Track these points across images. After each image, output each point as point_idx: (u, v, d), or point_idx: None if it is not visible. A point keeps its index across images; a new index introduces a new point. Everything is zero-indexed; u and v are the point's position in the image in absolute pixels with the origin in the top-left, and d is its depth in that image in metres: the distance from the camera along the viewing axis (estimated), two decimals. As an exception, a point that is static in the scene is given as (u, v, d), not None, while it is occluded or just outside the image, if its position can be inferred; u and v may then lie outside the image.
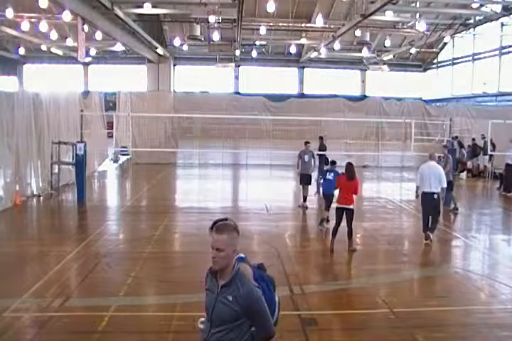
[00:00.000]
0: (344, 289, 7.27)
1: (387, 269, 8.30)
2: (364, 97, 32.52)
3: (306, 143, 14.36)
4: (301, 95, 35.32)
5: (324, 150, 17.66)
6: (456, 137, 19.91)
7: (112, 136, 20.82)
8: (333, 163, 10.93)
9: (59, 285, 6.96)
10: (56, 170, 14.65)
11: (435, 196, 9.62)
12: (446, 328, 5.89)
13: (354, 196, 9.16)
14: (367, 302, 6.64)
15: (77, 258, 8.35)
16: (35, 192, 14.00)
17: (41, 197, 13.95)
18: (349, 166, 9.31)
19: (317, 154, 17.53)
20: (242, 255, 3.26)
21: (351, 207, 9.05)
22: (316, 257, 8.91)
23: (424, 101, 31.80)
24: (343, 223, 9.07)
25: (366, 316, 6.25)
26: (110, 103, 24.05)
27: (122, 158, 23.26)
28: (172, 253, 9.22)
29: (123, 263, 8.40)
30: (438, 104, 32.10)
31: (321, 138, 18.07)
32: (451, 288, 7.36)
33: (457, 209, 12.92)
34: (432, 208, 9.76)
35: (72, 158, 14.32)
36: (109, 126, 20.55)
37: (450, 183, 11.60)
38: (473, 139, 21.13)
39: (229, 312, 2.94)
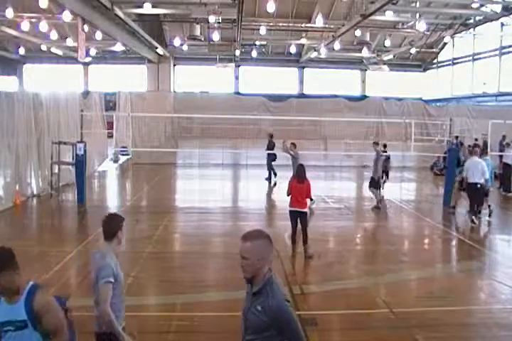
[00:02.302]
0: (344, 289, 7.26)
1: (387, 269, 8.29)
2: (364, 97, 32.50)
3: (291, 144, 14.58)
4: (301, 95, 35.28)
5: (272, 148, 18.07)
6: (457, 137, 19.91)
7: (112, 136, 20.81)
8: (385, 145, 14.02)
9: (59, 285, 6.96)
10: (56, 170, 14.65)
11: (478, 186, 11.51)
12: (446, 328, 5.88)
13: (308, 200, 8.86)
14: (367, 302, 6.64)
15: (77, 258, 8.35)
16: (35, 192, 13.99)
17: (41, 197, 13.95)
18: (299, 168, 8.98)
19: (267, 153, 17.96)
20: (32, 282, 3.12)
21: (305, 210, 8.76)
22: (315, 257, 8.90)
23: (424, 101, 31.78)
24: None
25: (366, 316, 6.25)
26: (110, 103, 24.03)
27: (122, 158, 23.26)
28: (172, 253, 9.22)
29: (123, 263, 8.33)
30: (438, 104, 32.07)
31: (270, 136, 18.46)
32: (451, 288, 7.36)
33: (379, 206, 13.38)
34: (477, 195, 11.70)
35: (72, 158, 14.32)
36: (109, 126, 20.54)
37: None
38: (476, 139, 21.10)
39: (258, 323, 2.88)
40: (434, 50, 33.64)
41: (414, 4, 21.15)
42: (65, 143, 14.71)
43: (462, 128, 22.89)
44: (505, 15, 19.87)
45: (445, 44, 32.45)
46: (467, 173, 11.70)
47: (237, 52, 29.93)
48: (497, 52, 28.33)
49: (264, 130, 23.76)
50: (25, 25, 22.75)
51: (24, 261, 8.69)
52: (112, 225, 3.83)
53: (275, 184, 17.51)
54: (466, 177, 11.76)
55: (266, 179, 18.10)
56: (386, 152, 14.80)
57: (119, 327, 3.75)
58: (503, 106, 26.18)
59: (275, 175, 17.88)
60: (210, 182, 19.29)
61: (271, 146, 18.20)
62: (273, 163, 17.98)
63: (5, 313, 2.98)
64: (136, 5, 19.92)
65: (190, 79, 35.92)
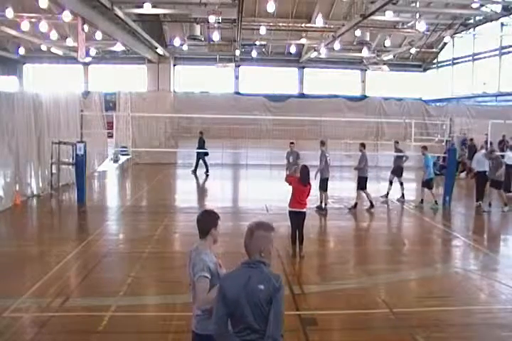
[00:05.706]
0: (344, 289, 7.26)
1: (387, 269, 8.30)
2: (364, 97, 32.50)
3: (290, 143, 14.52)
4: (301, 95, 35.30)
5: (202, 146, 19.03)
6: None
7: (111, 136, 20.80)
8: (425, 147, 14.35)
9: (59, 285, 6.97)
10: (56, 170, 14.64)
11: (487, 173, 13.43)
12: (446, 328, 5.88)
13: (307, 200, 8.77)
14: (367, 302, 6.64)
15: (77, 258, 8.35)
16: (35, 192, 13.98)
17: (41, 197, 13.94)
18: (303, 170, 8.65)
19: (196, 151, 19.21)
20: None
21: (304, 210, 8.74)
22: (315, 257, 8.91)
23: (424, 101, 31.79)
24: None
25: (366, 316, 6.25)
26: (110, 103, 24.01)
27: (122, 158, 23.24)
28: (172, 253, 9.21)
29: (123, 263, 8.40)
30: (438, 104, 32.07)
31: (200, 133, 19.14)
32: (451, 288, 7.36)
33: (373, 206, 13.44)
34: (485, 182, 13.57)
35: (72, 158, 14.32)
36: (109, 126, 20.53)
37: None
38: (471, 139, 21.10)
39: None
40: (434, 50, 33.68)
41: (414, 4, 21.17)
42: (65, 143, 14.71)
43: (462, 128, 22.88)
44: (505, 15, 19.90)
45: (445, 44, 32.46)
46: (478, 164, 13.73)
47: (237, 52, 29.95)
48: (497, 52, 28.35)
49: (265, 130, 23.80)
50: (25, 25, 22.76)
51: (24, 261, 8.75)
52: (206, 222, 3.83)
53: (207, 176, 19.51)
54: (474, 168, 13.91)
55: (192, 171, 19.98)
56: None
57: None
58: (503, 106, 26.19)
59: (207, 169, 19.80)
60: (210, 182, 19.28)
61: (201, 143, 19.42)
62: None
63: None
64: (136, 5, 19.93)
65: (190, 79, 35.95)
